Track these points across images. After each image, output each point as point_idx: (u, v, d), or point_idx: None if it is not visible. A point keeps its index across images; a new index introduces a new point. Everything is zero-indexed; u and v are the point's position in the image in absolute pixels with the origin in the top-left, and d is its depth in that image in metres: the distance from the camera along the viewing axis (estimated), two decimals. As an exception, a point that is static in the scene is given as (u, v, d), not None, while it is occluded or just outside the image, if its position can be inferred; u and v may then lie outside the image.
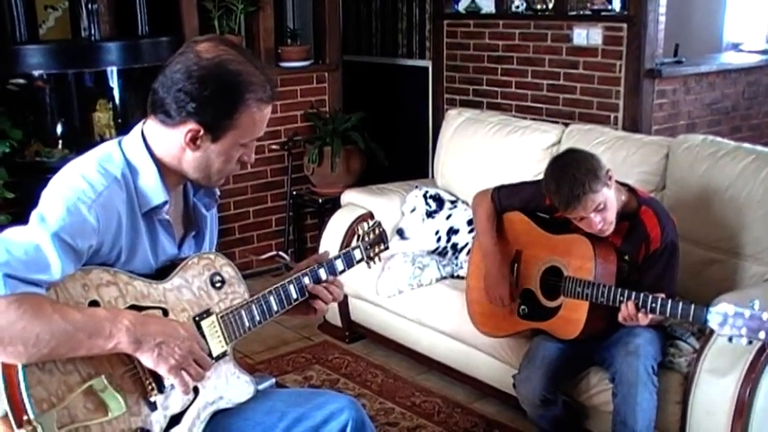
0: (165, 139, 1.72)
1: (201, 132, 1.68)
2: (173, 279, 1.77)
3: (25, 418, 1.50)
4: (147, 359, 1.62)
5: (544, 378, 2.69)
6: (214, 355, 1.79)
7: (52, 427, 1.52)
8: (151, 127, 1.74)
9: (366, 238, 2.16)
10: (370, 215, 3.91)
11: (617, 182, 2.68)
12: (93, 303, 1.63)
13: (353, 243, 2.16)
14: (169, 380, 1.67)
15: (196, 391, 1.77)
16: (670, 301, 2.39)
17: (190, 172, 1.75)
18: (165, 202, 1.74)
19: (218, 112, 1.67)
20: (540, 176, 2.74)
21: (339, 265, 2.06)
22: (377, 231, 2.20)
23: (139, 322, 1.61)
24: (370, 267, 2.22)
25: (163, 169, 1.74)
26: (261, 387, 2.27)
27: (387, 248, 2.24)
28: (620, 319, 2.49)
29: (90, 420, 1.59)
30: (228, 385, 1.86)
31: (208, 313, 1.80)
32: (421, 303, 3.51)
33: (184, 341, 1.65)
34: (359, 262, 2.14)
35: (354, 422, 1.88)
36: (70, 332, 1.52)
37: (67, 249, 1.57)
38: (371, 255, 2.18)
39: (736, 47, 6.10)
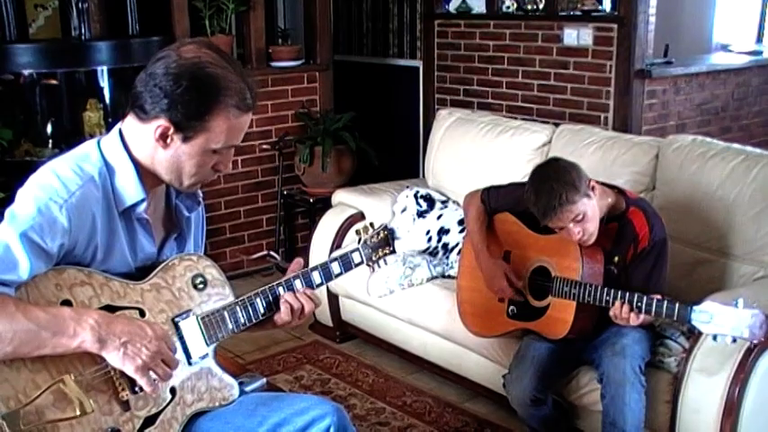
0: (140, 135, 1.71)
1: (171, 131, 1.67)
2: (151, 279, 1.76)
3: None
4: (113, 358, 1.61)
5: (534, 378, 2.69)
6: (194, 356, 1.77)
7: (18, 425, 1.51)
8: (129, 123, 1.74)
9: (369, 242, 2.10)
10: (362, 215, 3.91)
11: (605, 184, 2.69)
12: (66, 303, 1.62)
13: (353, 246, 2.10)
14: (136, 379, 1.65)
15: (173, 392, 1.76)
16: (655, 299, 2.39)
17: (162, 173, 1.74)
18: (143, 201, 1.73)
19: (188, 112, 1.65)
20: (530, 176, 2.74)
21: (335, 268, 2.01)
22: (381, 234, 2.13)
23: (105, 321, 1.60)
24: (374, 271, 2.16)
25: (140, 168, 1.73)
26: (252, 387, 2.27)
27: (393, 252, 2.17)
28: (611, 315, 2.49)
29: (58, 419, 1.57)
30: (209, 387, 1.83)
31: (187, 314, 1.78)
32: (412, 303, 3.50)
33: (151, 341, 1.64)
34: (357, 265, 2.07)
35: (336, 429, 1.84)
36: (33, 330, 1.52)
37: (36, 249, 1.56)
38: (374, 258, 2.11)
39: (725, 48, 6.12)
